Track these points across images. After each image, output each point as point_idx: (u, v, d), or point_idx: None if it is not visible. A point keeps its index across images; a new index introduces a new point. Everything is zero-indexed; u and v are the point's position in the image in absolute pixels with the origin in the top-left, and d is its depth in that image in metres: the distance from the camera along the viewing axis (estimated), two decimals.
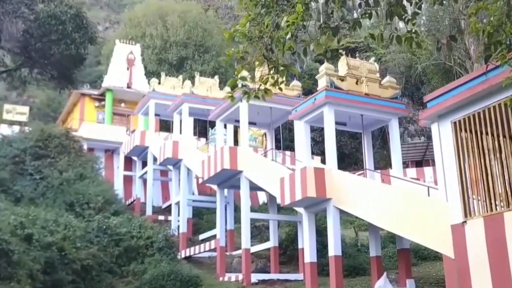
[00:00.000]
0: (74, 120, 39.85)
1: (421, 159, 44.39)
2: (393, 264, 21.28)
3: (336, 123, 17.63)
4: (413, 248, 21.99)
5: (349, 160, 41.87)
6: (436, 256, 22.04)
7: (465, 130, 10.63)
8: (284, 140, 38.42)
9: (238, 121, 22.25)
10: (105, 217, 22.00)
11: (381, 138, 45.53)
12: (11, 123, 34.71)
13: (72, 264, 18.06)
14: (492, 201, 10.08)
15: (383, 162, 40.23)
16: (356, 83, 16.60)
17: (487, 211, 10.14)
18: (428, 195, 14.17)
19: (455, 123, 10.84)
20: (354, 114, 17.35)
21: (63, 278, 17.36)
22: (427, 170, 38.50)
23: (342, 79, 16.94)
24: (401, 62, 42.52)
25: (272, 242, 22.15)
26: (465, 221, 10.55)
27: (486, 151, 10.23)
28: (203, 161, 22.64)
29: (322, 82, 16.75)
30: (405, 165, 43.05)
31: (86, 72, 54.13)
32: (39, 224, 18.54)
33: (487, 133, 10.22)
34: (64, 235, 18.58)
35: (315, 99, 16.65)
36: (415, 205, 13.15)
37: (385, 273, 16.70)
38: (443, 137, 11.08)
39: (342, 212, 16.20)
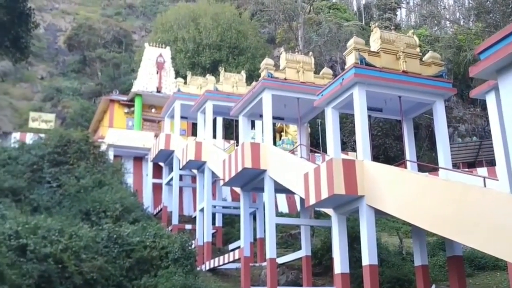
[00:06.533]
0: (103, 128, 38.39)
1: (473, 160, 40.96)
2: (444, 274, 18.45)
3: (370, 109, 15.06)
4: (468, 256, 19.13)
5: (394, 163, 39.00)
6: (496, 265, 19.11)
7: None
8: (324, 144, 35.96)
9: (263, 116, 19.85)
10: (118, 225, 19.94)
11: (428, 139, 42.47)
12: (38, 131, 33.39)
13: (73, 278, 16.00)
14: None
15: (431, 166, 37.33)
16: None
17: None
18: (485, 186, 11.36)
19: None
20: (390, 97, 14.67)
21: None
22: (481, 171, 35.25)
23: (374, 55, 14.31)
24: (448, 58, 39.68)
25: (304, 251, 19.57)
26: None
27: None
28: (224, 161, 20.31)
29: (350, 59, 14.17)
30: (456, 166, 39.81)
31: (120, 81, 53.20)
32: (40, 233, 16.55)
33: None
34: (66, 245, 16.50)
35: (342, 79, 14.08)
36: (469, 200, 10.39)
37: (433, 286, 13.96)
38: (506, 101, 8.22)
39: (378, 212, 13.50)
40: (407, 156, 15.66)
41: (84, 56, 58.85)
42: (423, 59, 15.17)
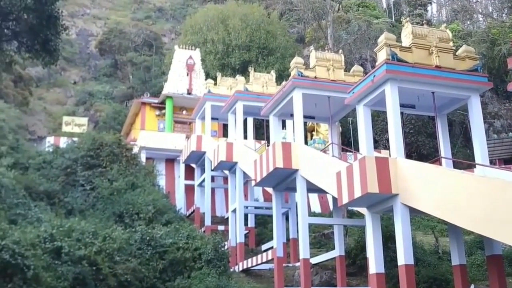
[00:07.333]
0: (135, 130, 38.75)
1: (510, 156, 39.97)
2: (482, 274, 18.00)
3: (403, 105, 14.80)
4: (508, 254, 18.66)
5: (427, 161, 38.32)
6: None
7: None
8: (356, 143, 35.62)
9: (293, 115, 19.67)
10: (151, 227, 20.01)
11: (462, 136, 41.69)
12: (71, 135, 33.80)
13: (107, 280, 16.10)
14: None
15: (466, 163, 36.59)
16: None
17: None
18: None
19: None
20: (423, 93, 14.36)
21: None
22: None
23: (406, 50, 14.03)
24: (482, 53, 38.89)
25: (337, 251, 19.36)
26: None
27: None
28: (255, 161, 20.22)
29: (381, 55, 13.93)
30: (492, 163, 38.88)
31: (151, 83, 53.64)
32: (74, 236, 16.72)
33: None
34: (100, 247, 16.63)
35: (374, 75, 13.85)
36: (510, 197, 10.06)
37: (472, 286, 13.60)
38: None
39: (413, 210, 13.22)
40: (442, 153, 15.32)
41: (115, 60, 59.55)
42: (456, 53, 14.82)
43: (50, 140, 32.91)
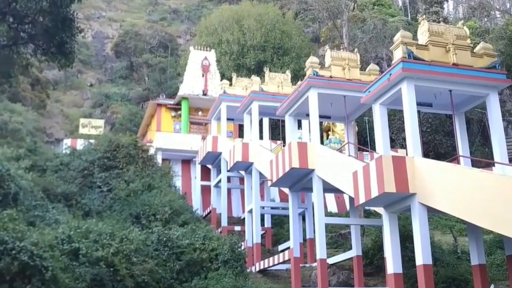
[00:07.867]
0: (151, 132, 38.90)
1: None
2: (502, 274, 17.77)
3: (420, 104, 14.66)
4: None
5: (445, 160, 37.95)
6: None
7: None
8: (372, 142, 35.41)
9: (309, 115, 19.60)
10: (168, 228, 20.06)
11: (481, 134, 41.28)
12: (88, 137, 34.02)
13: (125, 281, 16.15)
14: None
15: (484, 162, 36.17)
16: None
17: None
18: None
19: None
20: (440, 91, 14.22)
21: None
22: None
23: (423, 48, 13.90)
24: (500, 50, 38.42)
25: (354, 251, 19.23)
26: None
27: None
28: (271, 161, 20.16)
29: (398, 53, 13.82)
30: (511, 162, 38.43)
31: (167, 85, 53.81)
32: (91, 237, 16.81)
33: None
34: (117, 249, 16.67)
35: (390, 74, 13.74)
36: None
37: (492, 286, 13.44)
38: None
39: (431, 210, 13.09)
40: (460, 152, 15.15)
41: (131, 62, 59.82)
42: (474, 51, 14.66)
43: (67, 142, 33.13)
